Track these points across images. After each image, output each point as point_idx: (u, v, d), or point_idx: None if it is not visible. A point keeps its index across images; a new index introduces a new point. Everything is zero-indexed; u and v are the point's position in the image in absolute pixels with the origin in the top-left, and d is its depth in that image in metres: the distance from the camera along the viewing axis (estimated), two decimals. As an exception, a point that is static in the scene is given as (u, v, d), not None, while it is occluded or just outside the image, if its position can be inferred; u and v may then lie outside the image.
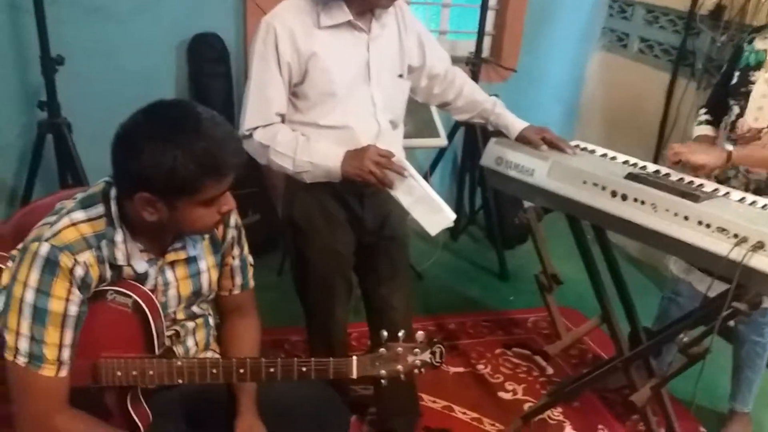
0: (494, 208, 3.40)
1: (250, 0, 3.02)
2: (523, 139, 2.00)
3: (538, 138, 1.96)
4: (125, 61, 2.96)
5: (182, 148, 1.21)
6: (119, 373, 1.33)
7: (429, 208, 1.70)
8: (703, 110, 2.23)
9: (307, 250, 1.89)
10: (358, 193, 1.84)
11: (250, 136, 1.73)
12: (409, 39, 1.85)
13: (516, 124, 2.02)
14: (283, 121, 1.75)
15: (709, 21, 3.08)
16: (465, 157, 3.56)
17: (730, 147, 1.95)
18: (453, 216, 1.71)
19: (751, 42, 2.06)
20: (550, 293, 2.06)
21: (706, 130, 2.19)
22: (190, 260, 1.43)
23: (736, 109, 2.04)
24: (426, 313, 2.94)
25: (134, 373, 1.33)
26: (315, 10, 1.69)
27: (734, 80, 2.06)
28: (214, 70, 3.06)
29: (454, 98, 2.03)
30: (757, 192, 2.00)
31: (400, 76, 1.86)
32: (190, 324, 1.49)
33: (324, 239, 1.86)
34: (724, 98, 2.12)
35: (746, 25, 2.89)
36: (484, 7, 3.19)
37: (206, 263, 1.46)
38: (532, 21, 3.63)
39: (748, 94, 2.00)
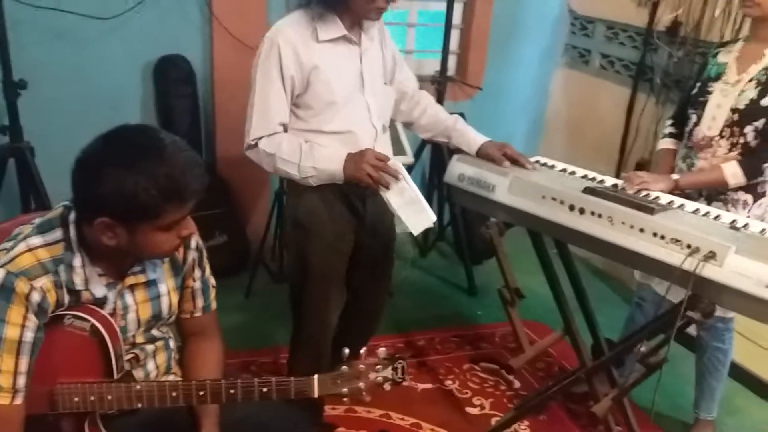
0: (462, 223, 3.43)
1: (216, 22, 3.04)
2: (483, 155, 2.04)
3: (499, 153, 2.01)
4: (91, 83, 2.95)
5: (144, 173, 1.21)
6: (77, 399, 1.31)
7: (415, 210, 1.84)
8: (669, 122, 2.30)
9: (309, 249, 1.96)
10: (361, 194, 1.93)
11: (255, 145, 1.83)
12: (387, 53, 2.00)
13: (476, 139, 2.07)
14: (285, 131, 1.84)
15: (665, 37, 3.17)
16: (432, 173, 3.60)
17: (675, 176, 2.03)
18: (434, 218, 1.86)
19: (715, 56, 2.13)
20: (513, 307, 2.09)
21: (668, 143, 2.26)
22: (150, 283, 1.43)
23: (693, 118, 2.11)
24: (396, 330, 2.95)
25: (92, 398, 1.32)
26: (312, 25, 1.80)
27: (695, 90, 2.14)
28: (180, 91, 3.07)
29: (418, 117, 2.13)
30: (708, 199, 2.08)
31: (385, 83, 2.00)
32: (150, 347, 1.48)
33: (327, 237, 1.94)
34: (687, 109, 2.19)
35: (701, 41, 2.98)
36: (448, 27, 3.24)
37: (166, 286, 1.46)
38: (496, 39, 3.70)
39: (705, 103, 2.07)
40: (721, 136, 2.03)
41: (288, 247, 2.10)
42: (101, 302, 1.35)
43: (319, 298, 2.03)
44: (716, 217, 1.81)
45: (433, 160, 3.53)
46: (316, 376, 1.40)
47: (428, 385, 2.60)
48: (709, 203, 2.04)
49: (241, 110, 3.08)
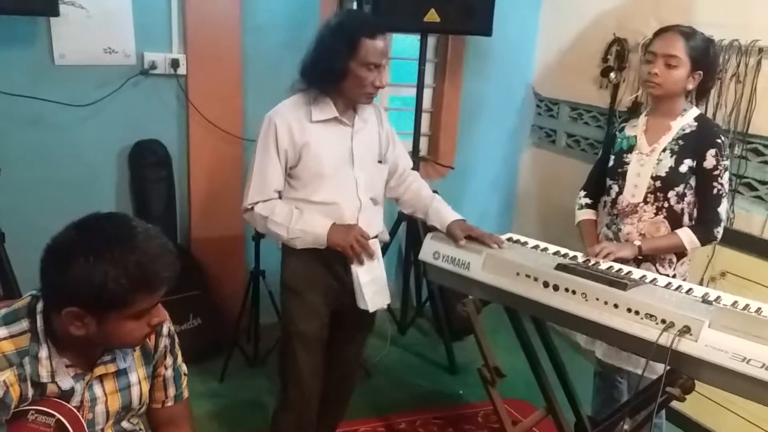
0: (440, 300, 3.42)
1: (192, 107, 3.10)
2: (448, 234, 2.10)
3: (461, 234, 2.07)
4: (65, 169, 2.96)
5: (113, 263, 1.19)
6: None
7: (377, 290, 2.03)
8: (583, 193, 2.44)
9: (293, 310, 2.10)
10: (344, 260, 2.04)
11: (252, 209, 2.02)
12: (384, 133, 2.16)
13: (447, 217, 2.12)
14: (280, 197, 2.03)
15: (627, 116, 3.30)
16: (408, 250, 3.61)
17: (638, 242, 2.14)
18: (389, 300, 2.11)
19: (622, 130, 2.30)
20: (494, 387, 2.07)
21: (589, 214, 2.41)
22: (120, 373, 1.39)
23: (615, 188, 2.24)
24: (376, 413, 2.87)
25: None
26: (308, 107, 2.00)
27: (611, 163, 2.27)
28: (156, 175, 3.08)
29: (403, 192, 2.27)
30: (636, 261, 2.15)
31: (380, 162, 2.15)
32: None
33: (309, 299, 2.08)
34: (602, 182, 2.33)
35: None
36: (418, 110, 3.35)
37: (137, 375, 1.42)
38: (465, 121, 3.82)
39: (624, 174, 2.22)
40: (645, 202, 2.17)
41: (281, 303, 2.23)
42: (68, 395, 1.31)
43: (299, 359, 2.10)
44: (688, 291, 1.84)
45: (408, 238, 3.55)
46: None
47: (411, 471, 2.52)
48: (638, 265, 2.14)
49: (217, 192, 3.14)
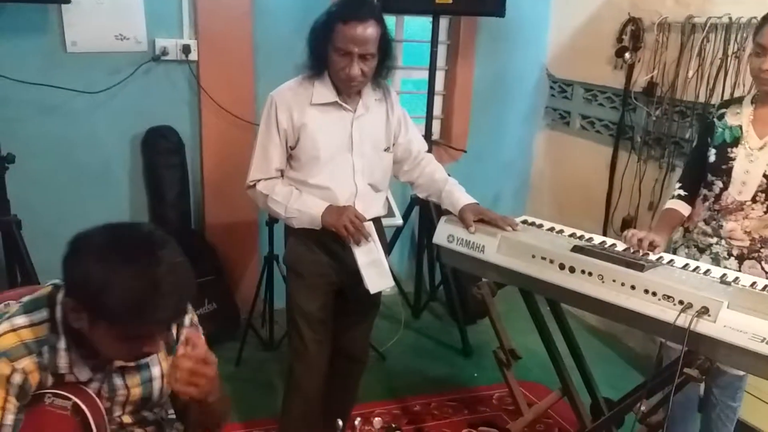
0: (454, 283, 3.42)
1: (204, 93, 3.10)
2: (460, 217, 2.08)
3: (472, 218, 2.05)
4: (78, 157, 2.97)
5: (120, 278, 1.15)
6: None
7: (378, 271, 2.02)
8: (678, 185, 2.24)
9: (294, 289, 2.14)
10: (341, 241, 2.03)
11: (254, 186, 2.06)
12: (394, 118, 2.14)
13: (460, 201, 2.10)
14: (282, 176, 2.06)
15: (643, 97, 3.27)
16: (422, 234, 3.61)
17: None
18: (392, 283, 2.10)
19: (721, 118, 2.09)
20: (509, 369, 2.06)
21: (678, 205, 2.20)
22: (142, 366, 1.38)
23: (719, 184, 2.06)
24: (390, 396, 2.89)
25: None
26: (310, 90, 2.00)
27: (712, 158, 2.07)
28: (169, 161, 3.09)
29: (417, 176, 2.25)
30: (740, 258, 2.05)
31: (386, 149, 2.13)
32: (139, 431, 1.42)
33: (308, 278, 2.11)
34: (699, 174, 2.15)
35: (677, 100, 3.07)
36: (431, 94, 3.33)
37: (159, 369, 1.41)
38: (478, 104, 3.79)
39: (729, 170, 2.03)
40: (755, 201, 2.00)
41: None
42: (88, 383, 1.31)
43: (304, 337, 2.12)
44: (706, 272, 1.82)
45: (421, 222, 3.55)
46: None
47: (426, 453, 2.53)
48: (741, 262, 2.02)
49: (230, 178, 3.14)
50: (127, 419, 1.40)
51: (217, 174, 3.22)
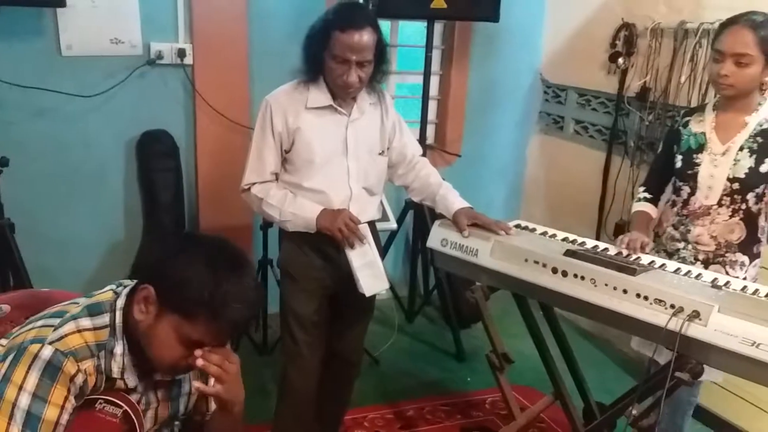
0: (448, 287, 3.43)
1: (199, 97, 3.11)
2: (454, 221, 2.10)
3: (465, 222, 2.07)
4: (73, 160, 2.97)
5: (215, 277, 1.22)
6: None
7: (373, 273, 2.03)
8: (642, 188, 2.31)
9: (288, 293, 2.15)
10: (335, 245, 2.04)
11: (248, 189, 2.07)
12: (389, 122, 2.15)
13: (454, 205, 2.12)
14: (277, 179, 2.07)
15: (636, 102, 3.29)
16: (416, 238, 3.61)
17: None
18: (387, 285, 2.09)
19: (686, 125, 2.14)
20: (502, 373, 2.07)
21: (645, 207, 2.25)
22: (175, 382, 1.40)
23: (686, 189, 2.11)
24: (384, 400, 2.89)
25: None
26: (305, 93, 2.02)
27: (679, 164, 2.12)
28: (163, 165, 3.09)
29: (412, 181, 2.26)
30: (705, 263, 2.08)
31: (381, 153, 2.14)
32: None
33: (303, 282, 2.12)
34: (663, 178, 2.20)
35: (670, 105, 3.09)
36: (425, 98, 3.34)
37: (189, 386, 1.43)
38: (472, 108, 3.81)
39: (695, 175, 2.07)
40: (720, 205, 2.04)
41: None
42: (131, 393, 1.33)
43: (298, 341, 2.13)
44: (697, 276, 1.83)
45: (416, 226, 3.56)
46: None
47: (419, 457, 2.53)
48: (706, 267, 2.05)
49: (224, 182, 3.14)
50: None
51: (212, 178, 3.22)
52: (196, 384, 1.37)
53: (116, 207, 3.13)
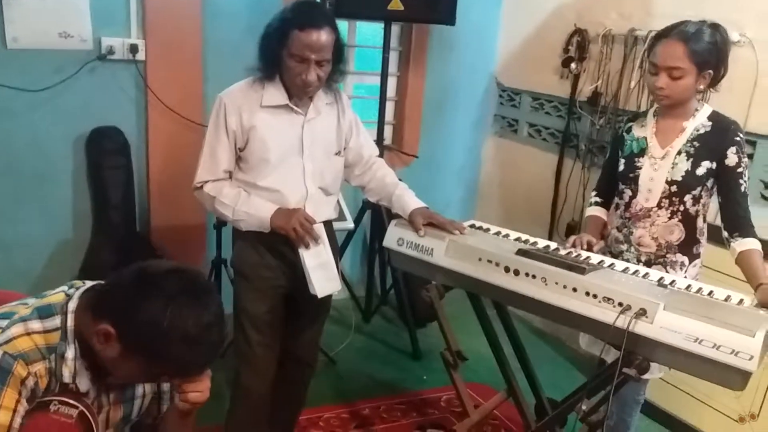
0: (404, 287, 3.44)
1: (151, 94, 3.04)
2: (410, 221, 2.11)
3: (421, 221, 2.08)
4: (18, 158, 2.88)
5: (179, 317, 1.19)
6: None
7: (326, 275, 2.02)
8: (594, 193, 2.37)
9: (242, 294, 2.12)
10: (290, 245, 2.02)
11: (201, 187, 2.03)
12: (345, 122, 2.14)
13: (410, 205, 2.13)
14: (230, 177, 2.04)
15: (587, 106, 3.37)
16: (373, 238, 3.62)
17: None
18: (339, 287, 2.09)
19: (629, 131, 2.20)
20: (456, 370, 2.09)
21: (597, 211, 2.31)
22: (128, 385, 1.38)
23: (628, 192, 2.17)
24: (340, 399, 2.89)
25: None
26: (260, 92, 1.99)
27: (621, 167, 2.18)
28: (114, 162, 3.02)
29: (368, 181, 2.25)
30: (647, 264, 2.14)
31: (337, 153, 2.13)
32: None
33: (257, 282, 2.09)
34: (612, 183, 2.26)
35: (620, 109, 3.18)
36: (383, 99, 3.35)
37: (143, 389, 1.41)
38: (429, 110, 3.84)
39: (636, 178, 2.13)
40: (660, 207, 2.10)
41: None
42: (83, 396, 1.30)
43: (251, 341, 2.11)
44: (645, 275, 1.89)
45: (373, 226, 3.56)
46: None
47: (374, 457, 2.54)
48: (649, 266, 2.10)
49: (177, 180, 3.09)
50: None
51: (164, 176, 3.17)
52: (180, 405, 1.35)
53: (64, 206, 3.04)
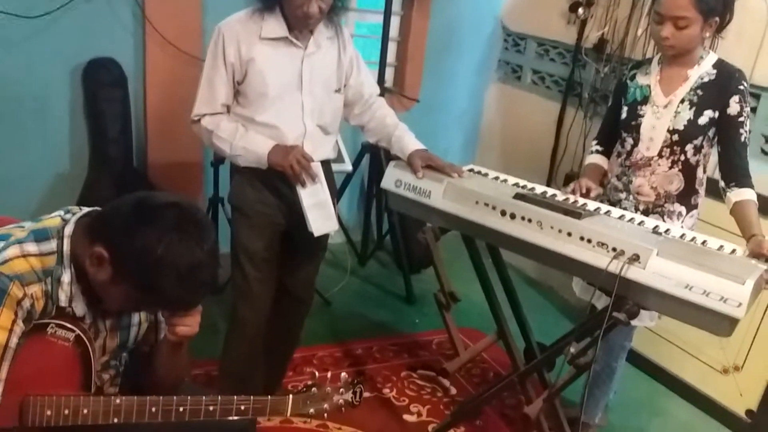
0: (400, 232, 3.46)
1: (149, 25, 2.98)
2: (409, 162, 2.09)
3: (420, 164, 2.06)
4: (15, 87, 2.82)
5: (177, 247, 1.19)
6: (49, 413, 1.25)
7: (323, 213, 2.02)
8: (595, 141, 2.36)
9: (239, 229, 2.12)
10: (288, 182, 2.01)
11: (198, 121, 2.01)
12: (346, 58, 2.10)
13: (409, 146, 2.11)
14: (228, 111, 2.01)
15: (593, 54, 3.31)
16: (371, 182, 3.61)
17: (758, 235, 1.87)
18: (336, 227, 2.09)
19: (633, 78, 2.18)
20: (448, 311, 2.12)
21: (597, 159, 2.30)
22: (125, 312, 1.39)
23: (630, 140, 2.16)
24: (334, 339, 2.93)
25: (66, 412, 1.26)
26: (259, 23, 1.95)
27: (624, 115, 2.17)
28: (110, 95, 2.97)
29: (368, 121, 2.22)
30: (645, 212, 2.14)
31: (337, 91, 2.09)
32: (105, 375, 1.42)
33: (254, 218, 2.08)
34: (614, 131, 2.24)
35: (625, 58, 3.13)
36: (385, 39, 3.28)
37: (139, 316, 1.42)
38: (432, 53, 3.77)
39: (638, 126, 2.12)
40: (660, 156, 2.09)
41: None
42: (80, 321, 1.31)
43: (248, 276, 2.12)
44: (640, 223, 1.89)
45: (371, 169, 3.55)
46: (290, 396, 1.43)
47: (366, 394, 2.57)
48: (646, 215, 2.10)
49: (175, 115, 3.05)
50: (96, 366, 1.38)
51: (162, 111, 3.13)
52: (170, 337, 1.37)
53: (61, 139, 3.01)
